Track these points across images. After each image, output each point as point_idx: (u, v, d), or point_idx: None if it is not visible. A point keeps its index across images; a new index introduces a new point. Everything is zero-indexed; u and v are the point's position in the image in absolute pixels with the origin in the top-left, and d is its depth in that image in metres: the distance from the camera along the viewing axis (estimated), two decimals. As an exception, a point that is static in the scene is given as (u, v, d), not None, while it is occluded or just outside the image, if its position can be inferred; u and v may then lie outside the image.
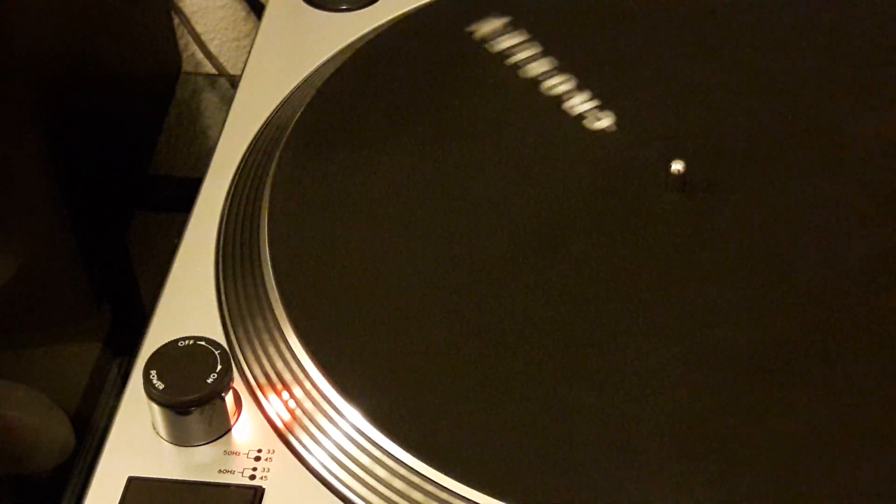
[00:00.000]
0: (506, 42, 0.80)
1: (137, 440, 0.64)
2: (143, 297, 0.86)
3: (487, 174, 0.73)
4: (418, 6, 0.84)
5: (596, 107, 0.76)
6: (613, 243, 0.69)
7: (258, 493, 0.61)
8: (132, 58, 0.90)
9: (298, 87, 0.80)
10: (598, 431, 0.62)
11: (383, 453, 0.61)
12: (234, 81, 0.98)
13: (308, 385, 0.64)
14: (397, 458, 0.61)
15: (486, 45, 0.80)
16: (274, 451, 0.63)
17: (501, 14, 0.82)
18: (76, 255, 0.77)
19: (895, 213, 0.70)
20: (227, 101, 0.86)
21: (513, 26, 0.81)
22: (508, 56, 0.79)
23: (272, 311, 0.67)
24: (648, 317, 0.66)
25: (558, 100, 0.77)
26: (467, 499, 0.59)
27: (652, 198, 0.71)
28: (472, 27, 0.81)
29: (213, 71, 1.02)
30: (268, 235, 0.70)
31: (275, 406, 0.64)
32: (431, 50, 0.80)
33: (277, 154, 0.74)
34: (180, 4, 1.00)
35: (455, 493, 0.60)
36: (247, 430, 0.64)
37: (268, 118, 0.79)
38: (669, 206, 0.71)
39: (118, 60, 0.87)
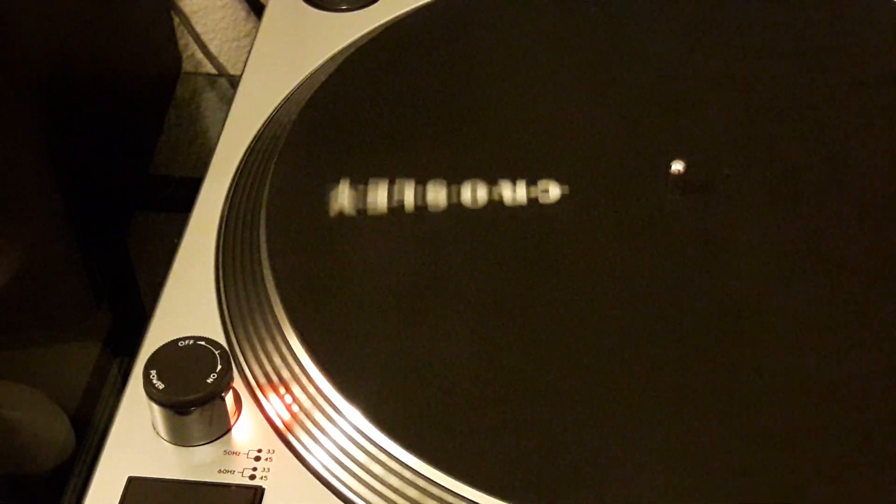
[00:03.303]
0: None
1: (137, 440, 0.64)
2: (143, 297, 0.86)
3: (487, 175, 0.73)
4: (418, 6, 0.84)
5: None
6: (613, 243, 0.69)
7: (258, 493, 0.61)
8: (132, 58, 0.90)
9: (298, 87, 0.80)
10: (598, 432, 0.62)
11: (383, 453, 0.61)
12: (234, 81, 0.98)
13: (308, 385, 0.64)
14: (397, 458, 0.61)
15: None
16: (274, 451, 0.63)
17: (500, 13, 0.82)
18: (76, 255, 0.77)
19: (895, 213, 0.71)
20: (227, 101, 0.86)
21: (514, 25, 0.81)
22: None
23: (272, 311, 0.67)
24: (648, 317, 0.66)
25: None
26: (467, 499, 0.59)
27: (652, 198, 0.71)
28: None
29: (213, 71, 1.02)
30: (268, 236, 0.70)
31: (275, 406, 0.64)
32: (431, 50, 0.80)
33: (277, 154, 0.74)
34: (180, 4, 1.00)
35: (455, 492, 0.60)
36: (247, 430, 0.64)
37: (268, 118, 0.79)
38: (669, 206, 0.71)
39: (118, 61, 0.87)
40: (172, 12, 0.99)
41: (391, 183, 0.73)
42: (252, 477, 0.62)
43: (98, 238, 0.81)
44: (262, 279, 0.68)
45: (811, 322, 0.66)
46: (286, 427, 0.64)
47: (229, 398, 0.63)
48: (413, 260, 0.69)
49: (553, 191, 0.72)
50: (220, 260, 0.71)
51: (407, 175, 0.73)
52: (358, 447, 0.62)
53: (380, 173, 0.73)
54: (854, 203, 0.71)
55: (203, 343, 0.63)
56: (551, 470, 0.60)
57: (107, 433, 0.65)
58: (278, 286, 0.67)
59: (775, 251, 0.69)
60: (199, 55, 1.02)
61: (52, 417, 0.78)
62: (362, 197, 0.72)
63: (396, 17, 0.84)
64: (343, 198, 0.72)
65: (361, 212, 0.71)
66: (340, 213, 0.71)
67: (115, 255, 0.85)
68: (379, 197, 0.72)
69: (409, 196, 0.72)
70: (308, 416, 0.63)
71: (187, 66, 1.02)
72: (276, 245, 0.69)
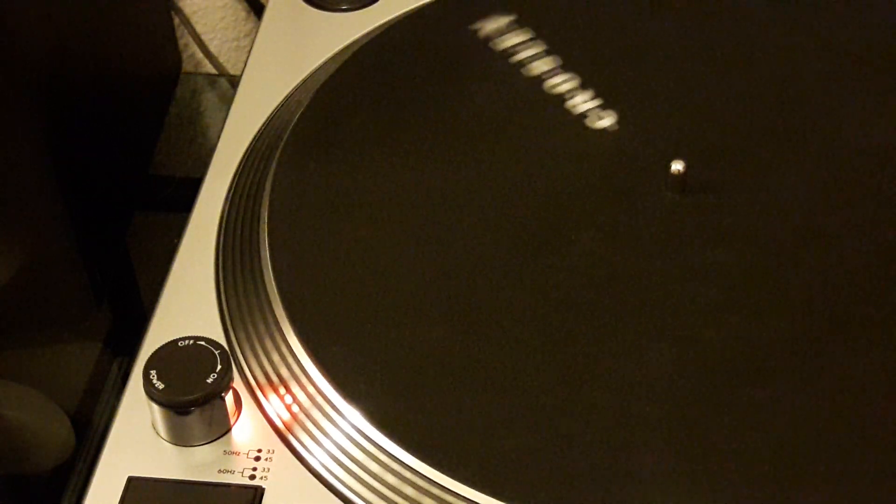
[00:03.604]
0: (509, 40, 0.80)
1: (137, 440, 0.64)
2: (143, 297, 0.86)
3: (487, 174, 0.73)
4: (418, 6, 0.84)
5: (597, 106, 0.76)
6: (613, 243, 0.69)
7: (258, 493, 0.61)
8: (132, 58, 0.90)
9: (298, 87, 0.80)
10: (598, 431, 0.62)
11: (383, 453, 0.61)
12: (234, 81, 0.98)
13: (308, 385, 0.64)
14: (397, 458, 0.61)
15: (490, 43, 0.80)
16: (274, 451, 0.63)
17: (503, 12, 0.82)
18: (76, 255, 0.77)
19: (895, 213, 0.70)
20: (227, 101, 0.86)
21: (516, 25, 0.81)
22: (511, 54, 0.79)
23: (272, 311, 0.67)
24: (648, 317, 0.66)
25: (560, 99, 0.77)
26: (467, 499, 0.59)
27: (652, 198, 0.71)
28: (476, 25, 0.81)
29: (213, 71, 1.02)
30: (268, 235, 0.70)
31: (275, 406, 0.64)
32: (431, 50, 0.80)
33: (277, 154, 0.74)
34: (180, 4, 1.00)
35: (455, 492, 0.60)
36: (247, 430, 0.64)
37: (268, 118, 0.79)
38: (669, 206, 0.71)
39: (118, 60, 0.87)
40: (172, 12, 0.99)
41: (391, 182, 0.73)
42: (252, 477, 0.62)
43: (98, 238, 0.81)
44: (262, 279, 0.68)
45: (811, 321, 0.66)
46: (286, 427, 0.64)
47: (229, 398, 0.63)
48: (413, 261, 0.69)
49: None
50: (220, 260, 0.71)
51: (407, 175, 0.73)
52: (358, 447, 0.62)
53: (380, 173, 0.73)
54: (855, 203, 0.71)
55: (203, 343, 0.64)
56: (551, 470, 0.60)
57: (107, 433, 0.65)
58: (278, 286, 0.67)
59: (775, 251, 0.69)
60: (199, 55, 1.02)
61: (52, 417, 0.78)
62: (362, 197, 0.72)
63: (396, 17, 0.84)
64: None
65: (362, 211, 0.71)
66: (341, 213, 0.71)
67: (115, 255, 0.85)
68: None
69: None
70: (308, 416, 0.63)
71: (187, 66, 1.02)
72: (276, 245, 0.69)
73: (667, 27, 0.81)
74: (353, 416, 0.62)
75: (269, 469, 0.62)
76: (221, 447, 0.63)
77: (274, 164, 0.73)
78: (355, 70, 0.79)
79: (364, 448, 0.62)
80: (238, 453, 0.63)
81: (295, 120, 0.76)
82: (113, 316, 0.82)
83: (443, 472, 0.60)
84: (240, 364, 0.66)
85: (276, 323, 0.66)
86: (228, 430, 0.64)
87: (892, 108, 0.76)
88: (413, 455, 0.61)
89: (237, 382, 0.65)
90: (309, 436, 0.63)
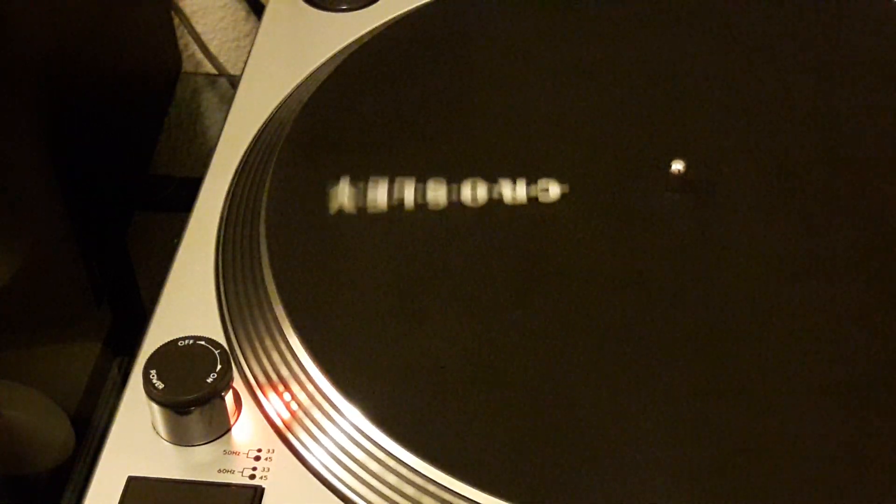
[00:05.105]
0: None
1: (137, 440, 0.64)
2: (143, 297, 0.86)
3: (487, 173, 0.73)
4: (418, 6, 0.85)
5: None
6: (613, 243, 0.69)
7: (258, 492, 0.61)
8: (132, 58, 0.90)
9: (298, 87, 0.80)
10: (599, 431, 0.62)
11: (383, 452, 0.61)
12: (234, 81, 0.98)
13: (308, 385, 0.64)
14: (397, 458, 0.61)
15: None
16: (274, 451, 0.63)
17: (499, 12, 0.82)
18: (76, 255, 0.77)
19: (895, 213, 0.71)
20: (227, 101, 0.86)
21: (517, 24, 0.81)
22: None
23: (272, 311, 0.67)
24: (647, 317, 0.66)
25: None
26: (467, 498, 0.59)
27: (652, 198, 0.71)
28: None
29: (213, 71, 1.02)
30: (268, 235, 0.70)
31: (275, 406, 0.64)
32: (431, 50, 0.80)
33: (277, 154, 0.74)
34: (180, 4, 1.00)
35: (455, 492, 0.60)
36: (247, 429, 0.64)
37: (268, 118, 0.79)
38: (669, 206, 0.71)
39: (118, 60, 0.87)
40: (172, 12, 0.99)
41: (391, 182, 0.73)
42: (252, 477, 0.62)
43: (98, 238, 0.81)
44: (262, 279, 0.68)
45: (811, 322, 0.66)
46: (286, 426, 0.64)
47: (229, 398, 0.63)
48: (413, 259, 0.69)
49: (553, 190, 0.72)
50: (220, 260, 0.71)
51: (407, 174, 0.73)
52: (358, 446, 0.62)
53: (379, 172, 0.73)
54: (855, 203, 0.71)
55: (203, 343, 0.63)
56: (551, 469, 0.60)
57: (107, 433, 0.65)
58: (278, 286, 0.67)
59: (775, 251, 0.69)
60: (199, 55, 1.02)
61: (52, 417, 0.78)
62: (362, 196, 0.72)
63: (396, 17, 0.84)
64: (343, 197, 0.72)
65: (361, 211, 0.71)
66: (340, 213, 0.71)
67: (115, 255, 0.85)
68: (379, 196, 0.72)
69: (409, 195, 0.72)
70: (308, 415, 0.63)
71: (187, 66, 1.02)
72: (276, 245, 0.69)
73: (667, 27, 0.81)
74: (353, 415, 0.62)
75: (269, 469, 0.62)
76: (221, 447, 0.63)
77: (274, 164, 0.73)
78: (355, 70, 0.79)
79: (364, 447, 0.62)
80: (238, 453, 0.63)
81: (294, 120, 0.76)
82: (113, 316, 0.82)
83: (443, 470, 0.60)
84: (240, 364, 0.66)
85: (276, 322, 0.66)
86: (228, 429, 0.64)
87: (891, 108, 0.76)
88: (413, 454, 0.61)
89: (237, 382, 0.65)
90: (309, 435, 0.63)
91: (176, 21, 1.00)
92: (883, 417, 0.62)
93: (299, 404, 0.64)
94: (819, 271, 0.68)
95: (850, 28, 0.81)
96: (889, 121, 0.75)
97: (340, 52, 0.82)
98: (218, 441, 0.63)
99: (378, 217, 0.71)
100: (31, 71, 0.72)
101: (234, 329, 0.68)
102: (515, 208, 0.71)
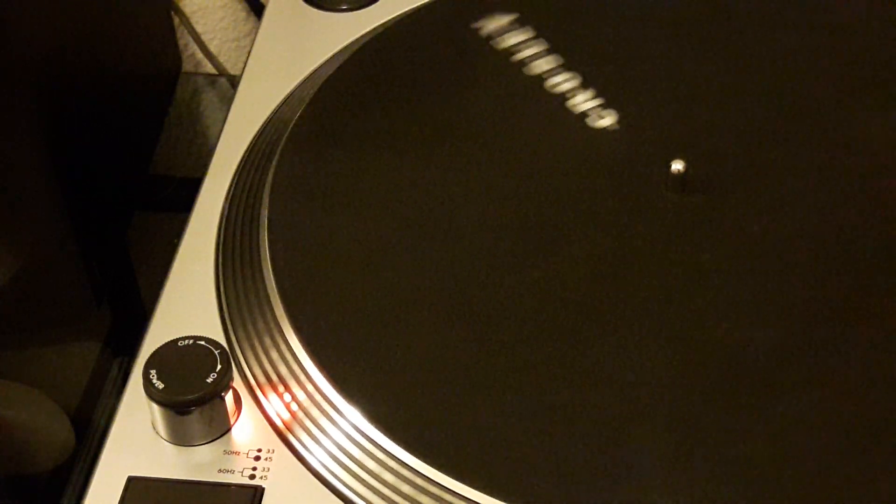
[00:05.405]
0: (511, 39, 0.80)
1: (137, 440, 0.64)
2: (143, 297, 0.86)
3: (488, 173, 0.73)
4: (418, 6, 0.84)
5: (598, 106, 0.76)
6: (613, 243, 0.69)
7: (258, 492, 0.61)
8: (132, 58, 0.90)
9: (298, 87, 0.80)
10: (599, 430, 0.62)
11: (383, 453, 0.61)
12: (234, 81, 0.98)
13: (308, 385, 0.64)
14: (397, 458, 0.61)
15: (492, 42, 0.80)
16: (274, 451, 0.63)
17: (504, 12, 0.82)
18: (76, 255, 0.77)
19: (895, 212, 0.71)
20: (227, 101, 0.86)
21: (518, 24, 0.81)
22: (513, 53, 0.79)
23: (272, 311, 0.67)
24: (647, 316, 0.66)
25: (560, 98, 0.77)
26: (467, 498, 0.59)
27: (652, 198, 0.71)
28: (478, 24, 0.81)
29: (213, 71, 1.02)
30: (268, 235, 0.70)
31: (275, 406, 0.64)
32: (431, 50, 0.80)
33: (277, 154, 0.74)
34: (180, 4, 1.00)
35: (455, 492, 0.60)
36: (247, 429, 0.64)
37: (268, 118, 0.79)
38: (669, 206, 0.71)
39: (118, 60, 0.87)
40: (172, 12, 0.99)
41: (391, 182, 0.73)
42: (252, 477, 0.62)
43: (98, 238, 0.81)
44: (262, 279, 0.68)
45: (811, 322, 0.66)
46: (286, 427, 0.64)
47: (229, 398, 0.63)
48: (413, 260, 0.69)
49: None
50: (220, 260, 0.71)
51: (406, 174, 0.73)
52: (358, 447, 0.62)
53: (379, 172, 0.73)
54: (854, 201, 0.71)
55: (203, 343, 0.64)
56: (551, 469, 0.60)
57: (107, 433, 0.65)
58: (278, 286, 0.67)
59: (775, 251, 0.69)
60: (199, 55, 1.02)
61: (52, 417, 0.78)
62: (362, 196, 0.72)
63: (396, 17, 0.84)
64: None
65: (361, 211, 0.71)
66: (340, 213, 0.71)
67: (115, 255, 0.85)
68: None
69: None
70: (308, 415, 0.63)
71: (187, 66, 1.02)
72: (276, 245, 0.69)
73: (667, 27, 0.81)
74: (353, 415, 0.62)
75: (269, 469, 0.62)
76: (221, 447, 0.63)
77: (274, 164, 0.73)
78: (355, 70, 0.79)
79: (364, 447, 0.62)
80: (238, 453, 0.63)
81: (295, 120, 0.76)
82: (113, 316, 0.82)
83: (442, 471, 0.60)
84: (240, 364, 0.66)
85: (276, 322, 0.66)
86: (228, 429, 0.64)
87: (892, 109, 0.76)
88: (412, 454, 0.61)
89: (237, 382, 0.65)
90: (309, 435, 0.63)
91: (176, 21, 1.00)
92: (885, 420, 0.62)
93: (299, 404, 0.64)
94: (820, 272, 0.68)
95: (853, 27, 0.81)
96: (892, 120, 0.75)
97: (340, 52, 0.82)
98: (218, 441, 0.63)
99: (378, 218, 0.71)
100: (31, 71, 0.72)
101: (234, 329, 0.68)
102: (515, 209, 0.71)
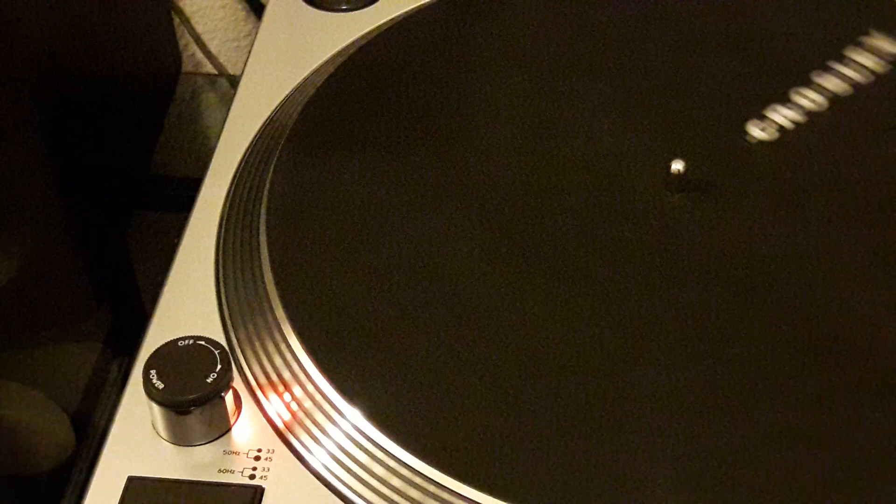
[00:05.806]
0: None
1: (137, 440, 0.64)
2: (143, 297, 0.86)
3: (487, 173, 0.73)
4: (418, 6, 0.84)
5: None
6: (613, 243, 0.69)
7: (258, 492, 0.61)
8: (132, 58, 0.90)
9: (298, 87, 0.80)
10: (600, 432, 0.62)
11: (383, 453, 0.61)
12: (234, 81, 0.98)
13: (308, 385, 0.64)
14: (397, 458, 0.61)
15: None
16: (274, 451, 0.63)
17: (499, 13, 0.82)
18: (76, 255, 0.77)
19: (894, 215, 0.71)
20: (227, 101, 0.86)
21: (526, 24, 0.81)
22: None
23: (272, 310, 0.67)
24: (647, 317, 0.66)
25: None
26: (467, 498, 0.59)
27: (652, 198, 0.71)
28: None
29: (213, 71, 1.02)
30: (267, 236, 0.70)
31: (275, 406, 0.64)
32: (431, 50, 0.80)
33: (277, 154, 0.74)
34: (180, 4, 1.00)
35: (455, 492, 0.60)
36: (247, 429, 0.64)
37: (268, 118, 0.79)
38: (669, 206, 0.71)
39: (118, 60, 0.87)
40: (172, 12, 0.99)
41: (391, 182, 0.73)
42: (252, 477, 0.62)
43: (98, 238, 0.81)
44: (262, 279, 0.68)
45: (811, 322, 0.66)
46: (286, 427, 0.64)
47: (229, 398, 0.63)
48: (413, 261, 0.69)
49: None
50: (220, 260, 0.71)
51: (406, 174, 0.73)
52: (358, 447, 0.62)
53: (379, 173, 0.73)
54: (854, 203, 0.71)
55: (203, 343, 0.64)
56: (552, 470, 0.60)
57: (107, 433, 0.65)
58: (278, 286, 0.67)
59: (775, 251, 0.69)
60: (199, 55, 1.02)
61: (52, 417, 0.78)
62: (362, 196, 0.72)
63: (396, 18, 0.84)
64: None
65: (361, 211, 0.71)
66: (340, 213, 0.71)
67: (115, 255, 0.85)
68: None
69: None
70: (308, 415, 0.63)
71: (187, 66, 1.02)
72: (276, 245, 0.69)
73: (667, 27, 0.81)
74: (353, 415, 0.62)
75: (269, 469, 0.62)
76: (221, 447, 0.63)
77: (274, 165, 0.73)
78: (355, 70, 0.79)
79: (364, 447, 0.62)
80: (238, 453, 0.63)
81: (295, 120, 0.76)
82: (113, 316, 0.82)
83: (442, 471, 0.60)
84: (240, 364, 0.66)
85: (276, 323, 0.66)
86: (228, 429, 0.64)
87: (893, 107, 0.76)
88: (413, 454, 0.61)
89: (237, 382, 0.65)
90: (309, 435, 0.63)
91: (176, 21, 1.00)
92: (885, 423, 0.62)
93: (299, 404, 0.64)
94: (820, 272, 0.68)
95: (852, 29, 0.81)
96: (891, 120, 0.75)
97: (340, 52, 0.82)
98: (218, 441, 0.63)
99: (378, 218, 0.71)
100: (31, 71, 0.72)
101: (234, 329, 0.68)
102: (515, 210, 0.71)
